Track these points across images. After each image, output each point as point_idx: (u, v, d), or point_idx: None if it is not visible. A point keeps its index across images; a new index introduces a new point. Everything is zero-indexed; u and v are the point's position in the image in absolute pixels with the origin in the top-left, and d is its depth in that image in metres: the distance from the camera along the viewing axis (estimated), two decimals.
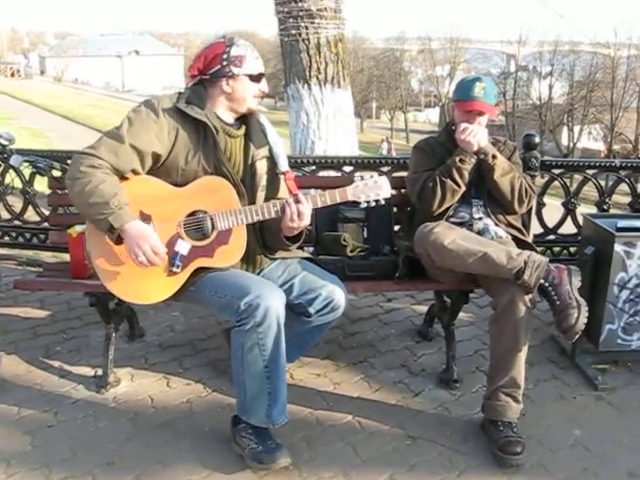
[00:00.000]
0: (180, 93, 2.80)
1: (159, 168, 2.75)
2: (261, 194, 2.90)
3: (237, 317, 2.61)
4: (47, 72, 72.77)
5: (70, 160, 2.80)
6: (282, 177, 2.93)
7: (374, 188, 2.77)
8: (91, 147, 2.67)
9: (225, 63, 2.73)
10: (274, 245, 2.96)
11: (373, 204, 2.79)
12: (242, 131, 2.88)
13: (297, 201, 2.72)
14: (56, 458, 2.78)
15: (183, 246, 2.68)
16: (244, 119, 2.88)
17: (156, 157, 2.72)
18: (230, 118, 2.85)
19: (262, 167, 2.90)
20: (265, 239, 2.96)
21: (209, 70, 2.76)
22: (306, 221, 2.75)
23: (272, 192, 2.96)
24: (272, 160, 2.93)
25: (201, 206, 2.73)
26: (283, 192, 2.96)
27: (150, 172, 2.75)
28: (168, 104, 2.73)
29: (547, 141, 42.79)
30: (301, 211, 2.71)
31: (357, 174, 2.86)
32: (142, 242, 2.58)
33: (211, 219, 2.72)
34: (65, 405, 3.18)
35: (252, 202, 2.83)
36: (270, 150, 2.92)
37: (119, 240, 2.62)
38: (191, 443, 2.89)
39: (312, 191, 2.82)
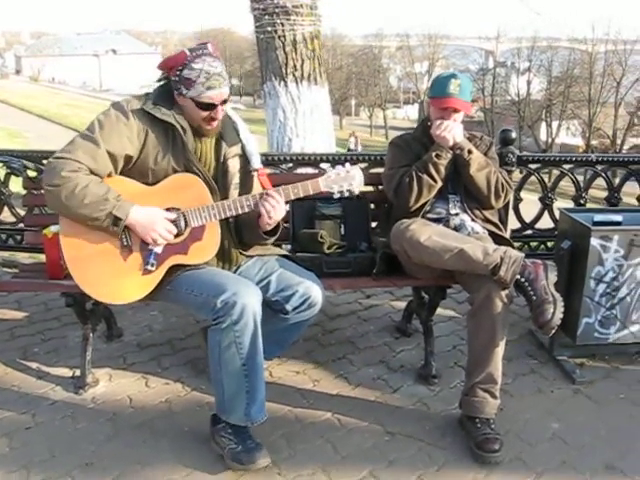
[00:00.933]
0: (147, 94, 2.79)
1: (130, 169, 2.73)
2: (234, 192, 2.89)
3: (214, 315, 2.60)
4: (23, 72, 72.07)
5: (45, 160, 2.77)
6: (255, 174, 2.92)
7: (347, 178, 2.77)
8: (67, 151, 2.63)
9: (177, 79, 2.68)
10: (251, 241, 2.96)
11: (346, 194, 2.78)
12: None
13: (270, 195, 2.72)
14: (34, 460, 2.76)
15: None
16: None
17: (128, 159, 2.70)
18: None
19: (234, 165, 2.88)
20: (242, 235, 2.95)
21: (171, 75, 2.72)
22: (280, 214, 2.76)
23: (245, 190, 2.94)
24: (245, 158, 2.91)
25: (174, 203, 2.72)
26: (257, 189, 2.93)
27: (121, 173, 2.73)
28: (137, 105, 2.71)
29: (526, 137, 43.07)
30: (274, 205, 2.71)
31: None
32: (156, 226, 2.63)
33: (184, 216, 2.71)
34: (43, 406, 3.16)
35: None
36: (242, 148, 2.91)
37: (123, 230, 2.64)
38: (170, 443, 2.88)
39: None
